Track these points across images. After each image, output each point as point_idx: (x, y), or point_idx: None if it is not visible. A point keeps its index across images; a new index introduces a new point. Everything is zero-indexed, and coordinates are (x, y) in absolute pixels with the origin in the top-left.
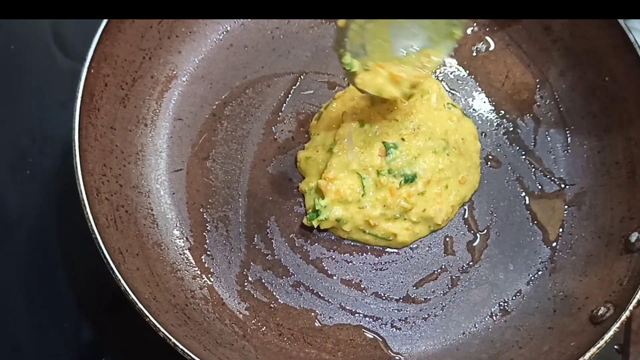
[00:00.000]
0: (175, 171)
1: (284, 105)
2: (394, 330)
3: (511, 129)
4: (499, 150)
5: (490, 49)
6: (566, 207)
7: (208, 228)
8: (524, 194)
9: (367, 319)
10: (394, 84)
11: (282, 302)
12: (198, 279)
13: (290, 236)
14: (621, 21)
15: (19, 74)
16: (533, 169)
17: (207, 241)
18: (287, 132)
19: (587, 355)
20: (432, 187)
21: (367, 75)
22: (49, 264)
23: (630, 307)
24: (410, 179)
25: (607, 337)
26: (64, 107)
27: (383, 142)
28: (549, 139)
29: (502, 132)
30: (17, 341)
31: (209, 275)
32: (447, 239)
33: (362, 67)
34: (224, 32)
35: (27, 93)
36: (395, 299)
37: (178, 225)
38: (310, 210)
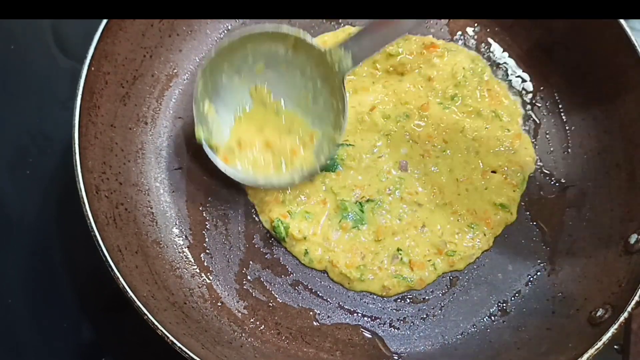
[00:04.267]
0: (175, 169)
1: None
2: (393, 330)
3: None
4: None
5: (492, 49)
6: (566, 208)
7: (207, 226)
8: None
9: (365, 318)
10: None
11: (280, 301)
12: (197, 277)
13: None
14: (621, 21)
15: (19, 74)
16: (533, 170)
17: (206, 239)
18: None
19: (585, 356)
20: None
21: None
22: (49, 263)
23: (629, 309)
24: None
25: (605, 338)
26: (64, 107)
27: None
28: (549, 139)
29: None
30: (17, 341)
31: (208, 274)
32: None
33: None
34: (225, 31)
35: (27, 93)
36: (394, 299)
37: (177, 223)
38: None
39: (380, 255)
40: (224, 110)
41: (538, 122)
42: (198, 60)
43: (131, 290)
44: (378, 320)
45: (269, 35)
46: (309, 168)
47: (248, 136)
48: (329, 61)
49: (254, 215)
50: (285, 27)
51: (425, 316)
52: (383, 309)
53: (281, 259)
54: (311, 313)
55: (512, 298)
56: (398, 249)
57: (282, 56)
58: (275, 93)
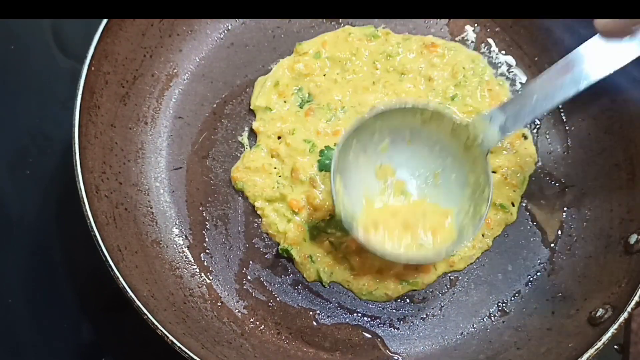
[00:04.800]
0: (175, 169)
1: None
2: (392, 330)
3: None
4: None
5: (492, 49)
6: (565, 208)
7: (207, 226)
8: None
9: (365, 318)
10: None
11: (280, 301)
12: (197, 277)
13: None
14: None
15: (19, 74)
16: (533, 170)
17: (206, 239)
18: None
19: (585, 356)
20: None
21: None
22: (49, 263)
23: (629, 309)
24: None
25: (605, 338)
26: (64, 107)
27: None
28: (549, 139)
29: None
30: (17, 341)
31: (208, 274)
32: None
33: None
34: (225, 31)
35: (27, 93)
36: (394, 299)
37: (177, 223)
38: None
39: None
40: (351, 188)
41: (538, 122)
42: (198, 60)
43: (131, 290)
44: (378, 320)
45: (403, 110)
46: (455, 245)
47: (382, 218)
48: (470, 134)
49: (254, 216)
50: (421, 101)
51: (425, 316)
52: (383, 309)
53: (281, 258)
54: (311, 313)
55: (512, 298)
56: None
57: (409, 132)
58: (400, 172)
